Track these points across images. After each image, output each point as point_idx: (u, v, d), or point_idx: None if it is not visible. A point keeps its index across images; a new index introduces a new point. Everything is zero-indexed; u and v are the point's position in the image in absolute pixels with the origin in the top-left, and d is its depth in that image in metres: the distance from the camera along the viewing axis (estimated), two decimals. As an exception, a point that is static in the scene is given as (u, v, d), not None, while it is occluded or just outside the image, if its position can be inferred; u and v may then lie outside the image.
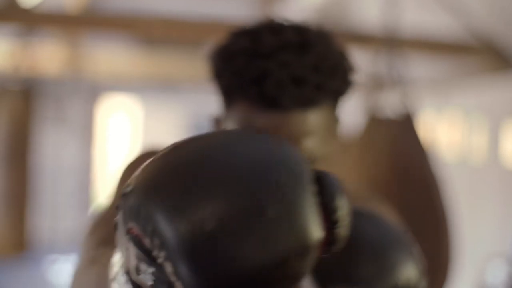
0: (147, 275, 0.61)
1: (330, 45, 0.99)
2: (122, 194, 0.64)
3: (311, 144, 0.96)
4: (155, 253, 0.60)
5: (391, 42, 3.09)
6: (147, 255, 0.61)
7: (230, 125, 0.96)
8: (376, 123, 2.81)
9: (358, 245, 0.84)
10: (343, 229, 0.66)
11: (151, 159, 0.66)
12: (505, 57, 3.90)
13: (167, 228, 0.58)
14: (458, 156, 4.71)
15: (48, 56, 6.85)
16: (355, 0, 5.74)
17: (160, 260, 0.60)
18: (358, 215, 0.84)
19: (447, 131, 4.86)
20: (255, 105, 0.94)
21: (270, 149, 0.63)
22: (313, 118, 0.95)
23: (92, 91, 8.95)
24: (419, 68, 4.84)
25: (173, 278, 0.59)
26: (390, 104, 3.01)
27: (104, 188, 9.62)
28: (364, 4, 5.50)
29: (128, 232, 0.62)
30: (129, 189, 0.63)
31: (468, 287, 4.23)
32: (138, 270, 0.63)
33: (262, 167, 0.61)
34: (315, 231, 0.61)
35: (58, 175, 8.83)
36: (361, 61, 4.07)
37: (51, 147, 8.69)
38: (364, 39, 3.70)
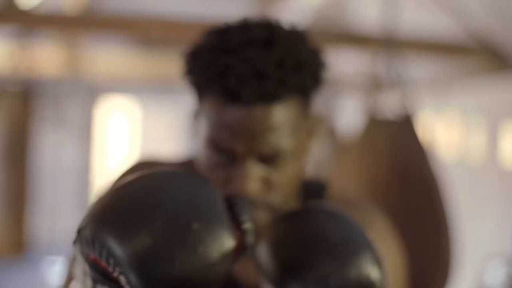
0: None
1: (299, 42, 1.00)
2: (77, 230, 0.79)
3: (275, 139, 0.97)
4: (110, 270, 0.76)
5: (389, 43, 3.09)
6: (103, 275, 0.77)
7: (202, 120, 1.01)
8: (375, 124, 2.81)
9: (315, 242, 0.86)
10: (251, 237, 0.84)
11: (102, 195, 0.81)
12: (504, 57, 3.91)
13: (118, 250, 0.74)
14: (456, 157, 4.71)
15: (46, 57, 6.85)
16: (354, 0, 5.74)
17: (115, 275, 0.75)
18: (320, 214, 0.92)
19: (446, 132, 4.86)
20: (221, 100, 0.98)
21: (192, 186, 0.81)
22: (278, 113, 0.97)
23: (90, 92, 8.94)
24: (417, 68, 4.85)
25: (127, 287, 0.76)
26: (389, 105, 3.01)
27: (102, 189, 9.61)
28: (363, 4, 5.50)
29: (87, 259, 0.78)
30: (83, 224, 0.78)
31: (467, 287, 4.23)
32: None
33: (186, 198, 0.78)
34: (228, 239, 0.79)
35: (57, 176, 8.83)
36: (360, 62, 4.08)
37: (50, 148, 8.68)
38: (363, 40, 3.70)
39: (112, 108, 9.51)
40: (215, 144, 0.99)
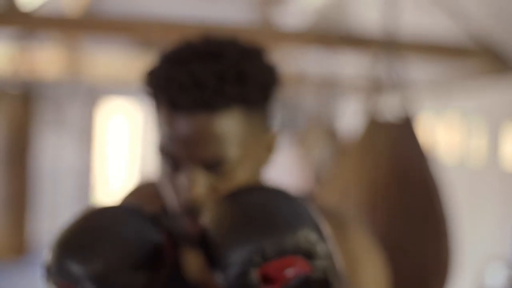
0: None
1: (247, 57, 1.06)
2: (46, 265, 0.98)
3: (217, 147, 1.02)
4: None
5: (390, 45, 3.09)
6: None
7: (159, 128, 1.08)
8: (375, 127, 2.81)
9: (254, 214, 0.93)
10: (179, 241, 1.06)
11: (63, 230, 1.00)
12: (504, 59, 3.91)
13: (79, 270, 0.95)
14: (457, 159, 4.71)
15: (47, 59, 6.86)
16: (354, 3, 5.75)
17: None
18: (261, 190, 0.99)
19: (446, 134, 4.86)
20: (166, 109, 1.04)
21: (127, 219, 1.01)
22: (219, 123, 1.02)
23: (91, 94, 8.95)
24: (418, 71, 4.85)
25: None
26: (389, 107, 3.01)
27: (103, 191, 9.61)
28: (363, 7, 5.51)
29: (59, 286, 0.97)
30: (50, 258, 0.98)
31: (467, 290, 4.23)
32: None
33: (120, 229, 0.99)
34: (156, 258, 1.01)
35: (57, 178, 8.83)
36: (361, 64, 4.08)
37: (50, 150, 8.69)
38: (364, 42, 3.71)
39: (112, 110, 9.51)
40: (163, 151, 1.06)
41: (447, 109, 4.87)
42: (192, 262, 1.14)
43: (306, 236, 0.87)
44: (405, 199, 2.62)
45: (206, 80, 1.00)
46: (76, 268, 0.95)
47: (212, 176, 1.04)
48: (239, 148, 1.04)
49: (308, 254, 0.88)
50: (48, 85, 8.30)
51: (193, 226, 1.05)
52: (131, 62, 7.48)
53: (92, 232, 0.98)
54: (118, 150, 9.66)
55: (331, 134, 5.84)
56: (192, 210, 1.04)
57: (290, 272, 0.86)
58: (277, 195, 0.95)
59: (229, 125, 1.02)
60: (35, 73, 6.79)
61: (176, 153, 1.03)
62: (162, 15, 4.33)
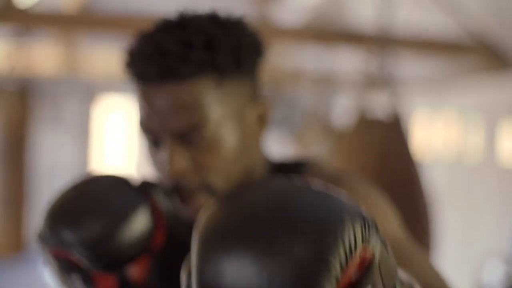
0: (74, 279, 0.98)
1: (217, 23, 1.03)
2: (39, 233, 1.00)
3: (187, 116, 1.00)
4: (69, 255, 0.97)
5: (383, 42, 3.09)
6: (69, 265, 0.97)
7: (138, 105, 1.07)
8: (364, 124, 2.81)
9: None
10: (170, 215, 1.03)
11: (55, 199, 1.01)
12: (501, 56, 3.91)
13: (71, 236, 0.95)
14: (455, 155, 4.72)
15: (44, 56, 6.85)
16: (352, 0, 5.75)
17: (75, 259, 0.96)
18: (272, 183, 0.70)
19: (444, 131, 4.86)
20: (139, 84, 1.04)
21: (118, 188, 1.02)
22: (187, 90, 1.00)
23: (88, 91, 8.94)
24: (415, 67, 4.85)
25: (88, 266, 0.96)
26: (381, 104, 3.01)
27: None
28: (360, 3, 5.50)
29: (53, 255, 0.98)
30: (43, 226, 1.00)
31: (465, 286, 4.23)
32: (66, 280, 0.99)
33: (111, 197, 0.99)
34: (147, 222, 1.00)
35: (55, 175, 8.83)
36: (357, 60, 4.08)
37: (47, 147, 8.68)
38: (360, 38, 3.71)
39: (109, 107, 9.51)
40: (142, 128, 1.05)
41: (445, 105, 4.87)
42: None
43: (353, 223, 0.64)
44: (389, 197, 2.63)
45: (171, 48, 0.98)
46: (68, 235, 0.95)
47: (192, 148, 1.02)
48: (215, 116, 1.01)
49: (364, 240, 0.64)
50: (45, 82, 8.29)
51: (188, 205, 1.04)
52: (128, 59, 7.46)
53: (84, 200, 0.98)
54: (116, 147, 9.65)
55: (328, 130, 5.84)
56: (178, 184, 1.02)
57: (362, 270, 0.66)
58: (292, 187, 0.68)
59: (200, 93, 1.00)
60: (32, 70, 6.78)
61: (153, 127, 1.03)
62: (159, 12, 4.33)
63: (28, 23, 3.86)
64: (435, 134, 4.96)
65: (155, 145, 1.05)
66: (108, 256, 0.96)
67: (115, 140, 9.62)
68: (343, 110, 7.05)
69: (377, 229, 0.67)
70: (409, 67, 4.64)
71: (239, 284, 0.61)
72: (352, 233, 0.64)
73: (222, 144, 1.03)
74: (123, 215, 0.97)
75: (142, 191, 1.03)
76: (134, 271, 0.99)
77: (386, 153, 2.72)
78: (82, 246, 0.95)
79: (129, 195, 1.00)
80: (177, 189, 1.03)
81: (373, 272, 0.66)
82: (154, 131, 1.03)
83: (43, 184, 8.61)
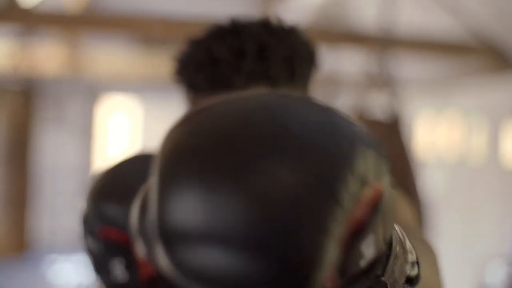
0: (115, 265, 0.88)
1: (270, 32, 0.98)
2: (83, 217, 0.91)
3: None
4: (121, 233, 0.88)
5: (385, 43, 3.09)
6: (116, 247, 0.88)
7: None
8: (363, 124, 2.81)
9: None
10: None
11: (96, 181, 0.94)
12: (505, 57, 3.90)
13: (117, 213, 0.88)
14: (457, 156, 4.71)
15: (47, 56, 6.85)
16: (355, 0, 5.74)
17: (126, 236, 0.87)
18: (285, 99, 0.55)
19: (447, 131, 4.86)
20: (189, 93, 0.99)
21: None
22: None
23: (91, 91, 8.95)
24: (418, 68, 4.85)
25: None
26: (381, 105, 3.01)
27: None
28: (364, 4, 5.50)
29: (98, 235, 0.90)
30: (86, 208, 0.92)
31: (467, 287, 4.23)
32: (105, 268, 0.89)
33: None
34: None
35: (58, 175, 8.83)
36: (361, 60, 4.07)
37: (50, 147, 8.69)
38: (364, 39, 3.71)
39: (113, 107, 9.51)
40: None
41: (448, 106, 4.87)
42: None
43: (366, 151, 0.51)
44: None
45: (223, 57, 0.94)
46: (113, 210, 0.92)
47: None
48: None
49: (375, 175, 0.52)
50: (49, 82, 8.30)
51: None
52: (132, 59, 7.47)
53: (124, 177, 0.94)
54: (119, 147, 9.66)
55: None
56: None
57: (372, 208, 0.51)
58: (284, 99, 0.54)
59: None
60: (36, 70, 6.79)
61: None
62: (162, 12, 4.33)
63: (31, 23, 3.86)
64: (438, 135, 4.96)
65: None
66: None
67: (118, 140, 9.62)
68: (343, 109, 7.04)
69: (388, 166, 0.54)
70: (412, 68, 4.64)
71: (215, 228, 0.47)
72: (364, 163, 0.50)
73: None
74: None
75: None
76: None
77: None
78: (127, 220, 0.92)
79: None
80: None
81: (379, 217, 0.52)
82: None
83: (46, 184, 8.62)
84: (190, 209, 0.48)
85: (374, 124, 2.81)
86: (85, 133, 9.04)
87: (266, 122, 0.49)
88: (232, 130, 0.49)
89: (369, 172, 0.51)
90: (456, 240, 4.56)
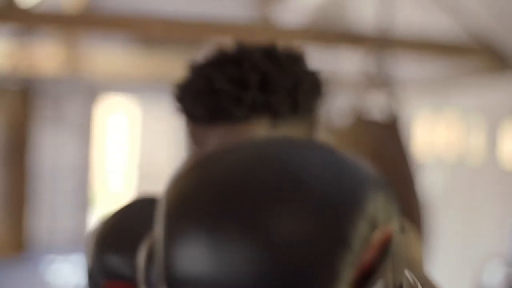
0: None
1: (274, 61, 0.94)
2: (88, 271, 0.94)
3: None
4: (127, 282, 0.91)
5: (385, 43, 3.09)
6: None
7: (187, 144, 0.98)
8: (361, 124, 2.81)
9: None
10: None
11: (97, 231, 0.95)
12: (503, 58, 3.91)
13: (122, 264, 0.92)
14: (456, 157, 4.71)
15: (46, 56, 6.85)
16: (353, 0, 5.74)
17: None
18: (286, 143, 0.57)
19: (445, 132, 4.86)
20: (189, 123, 0.95)
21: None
22: (240, 134, 0.92)
23: (90, 91, 8.95)
24: (417, 68, 4.85)
25: None
26: (379, 105, 3.01)
27: (102, 189, 9.61)
28: (362, 5, 5.50)
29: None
30: (91, 261, 0.94)
31: (466, 287, 4.23)
32: None
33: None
34: None
35: (57, 175, 8.83)
36: (359, 61, 4.06)
37: (49, 147, 8.69)
38: (362, 40, 3.71)
39: (111, 107, 9.51)
40: None
41: (447, 107, 4.87)
42: None
43: (373, 197, 0.52)
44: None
45: (223, 87, 0.90)
46: (117, 263, 0.92)
47: None
48: None
49: (385, 218, 0.53)
50: (47, 82, 8.29)
51: None
52: (130, 59, 7.47)
53: (128, 228, 0.94)
54: (117, 147, 9.66)
55: (326, 129, 5.83)
56: None
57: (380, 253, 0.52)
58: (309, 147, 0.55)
59: (253, 136, 0.92)
60: (34, 69, 6.78)
61: None
62: (161, 12, 4.33)
63: (30, 23, 3.86)
64: (436, 136, 4.96)
65: None
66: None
67: (117, 139, 9.62)
68: (341, 110, 7.05)
69: (398, 208, 0.55)
70: (411, 68, 4.64)
71: (224, 277, 0.48)
72: (373, 206, 0.51)
73: None
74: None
75: None
76: None
77: (381, 153, 2.71)
78: (134, 272, 0.92)
79: None
80: None
81: (388, 260, 0.52)
82: None
83: (45, 184, 8.61)
84: (197, 257, 0.49)
85: (372, 124, 2.81)
86: (84, 133, 9.04)
87: (272, 169, 0.49)
88: (239, 178, 0.49)
89: (379, 215, 0.52)
90: (455, 240, 4.57)
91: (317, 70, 0.99)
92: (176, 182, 0.53)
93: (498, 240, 4.12)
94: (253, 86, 0.91)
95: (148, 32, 4.22)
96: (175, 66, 7.16)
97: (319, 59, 6.24)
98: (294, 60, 0.96)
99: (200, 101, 0.91)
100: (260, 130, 0.93)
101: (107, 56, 7.31)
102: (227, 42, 1.00)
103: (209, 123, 0.92)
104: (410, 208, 2.65)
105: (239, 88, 0.91)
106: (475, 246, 4.39)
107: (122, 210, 0.97)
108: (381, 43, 3.09)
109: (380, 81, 3.01)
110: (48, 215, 8.66)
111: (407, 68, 4.16)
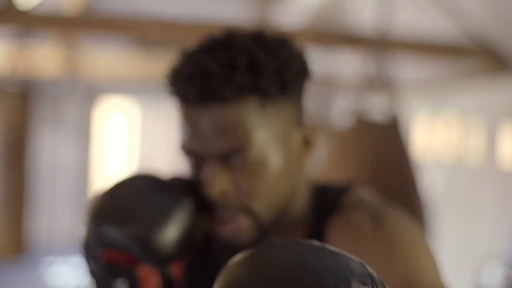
0: (119, 286, 0.97)
1: (262, 45, 1.01)
2: (84, 241, 0.98)
3: (230, 138, 0.99)
4: (124, 258, 0.96)
5: (384, 44, 3.09)
6: (116, 269, 0.96)
7: (180, 126, 1.04)
8: (362, 126, 2.80)
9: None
10: None
11: (95, 204, 1.00)
12: (502, 58, 3.91)
13: (118, 233, 0.97)
14: (455, 158, 4.72)
15: (45, 57, 6.85)
16: (352, 1, 5.75)
17: (125, 256, 0.96)
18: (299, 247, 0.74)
19: (444, 133, 4.86)
20: (182, 105, 1.02)
21: (154, 185, 1.07)
22: (229, 113, 0.98)
23: (89, 92, 8.95)
24: (415, 70, 4.85)
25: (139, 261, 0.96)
26: (379, 107, 3.01)
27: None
28: (361, 6, 5.51)
29: (100, 259, 0.97)
30: (88, 231, 0.98)
31: (465, 289, 4.24)
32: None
33: (150, 194, 1.04)
34: (191, 214, 1.05)
35: (55, 177, 8.83)
36: (357, 62, 4.07)
37: (48, 149, 8.68)
38: (361, 41, 3.71)
39: (110, 108, 9.51)
40: (184, 149, 1.03)
41: (445, 108, 4.87)
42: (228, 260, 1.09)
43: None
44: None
45: (213, 69, 0.97)
46: (119, 232, 0.95)
47: (234, 170, 1.01)
48: (258, 139, 1.00)
49: None
50: (46, 83, 8.29)
51: (225, 227, 1.03)
52: (129, 60, 7.48)
53: (130, 199, 0.99)
54: (116, 148, 9.66)
55: (326, 131, 5.84)
56: (218, 205, 1.02)
57: None
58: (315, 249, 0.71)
59: (243, 115, 0.98)
60: (33, 71, 6.78)
61: (195, 149, 1.01)
62: (160, 13, 4.33)
63: (29, 24, 3.86)
64: (435, 137, 4.97)
65: (197, 166, 1.03)
66: (157, 251, 0.97)
67: (115, 141, 9.62)
68: (341, 112, 7.06)
69: None
70: (410, 69, 4.65)
71: None
72: None
73: (264, 168, 1.01)
74: (165, 212, 0.99)
75: (182, 191, 1.03)
76: (175, 270, 1.00)
77: (382, 156, 2.71)
78: (134, 240, 0.95)
79: (173, 195, 1.02)
80: (217, 210, 1.02)
81: None
82: (197, 153, 1.02)
83: (44, 186, 8.61)
84: None
85: (373, 126, 2.80)
86: (83, 134, 9.04)
87: (287, 273, 0.66)
88: (268, 276, 0.66)
89: None
90: (454, 242, 4.57)
91: (303, 52, 1.06)
92: (227, 270, 0.70)
93: (497, 241, 4.12)
94: (242, 68, 0.97)
95: (147, 33, 4.22)
96: (174, 68, 7.15)
97: (318, 60, 6.24)
98: (281, 43, 1.03)
99: (192, 83, 0.98)
100: (249, 110, 0.99)
101: (106, 57, 7.31)
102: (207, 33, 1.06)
103: (201, 104, 0.98)
104: (413, 210, 2.65)
105: (228, 69, 0.97)
106: (474, 247, 4.40)
107: (119, 184, 1.02)
108: (380, 44, 3.09)
109: (380, 83, 3.00)
110: (47, 217, 8.66)
111: (405, 69, 4.17)
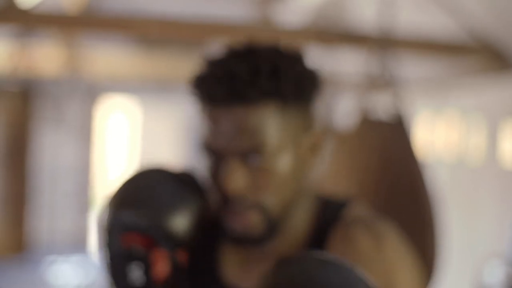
0: (133, 269, 1.08)
1: (283, 56, 1.12)
2: (104, 226, 1.10)
3: (252, 138, 1.08)
4: (142, 240, 1.08)
5: (384, 43, 3.08)
6: (135, 253, 1.08)
7: (203, 125, 1.14)
8: (367, 125, 2.80)
9: None
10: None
11: (115, 193, 1.13)
12: (503, 57, 3.91)
13: (140, 218, 1.10)
14: (456, 157, 4.72)
15: (46, 57, 6.85)
16: (354, 0, 5.75)
17: (147, 240, 1.08)
18: (319, 263, 0.94)
19: (445, 132, 4.86)
20: (207, 105, 1.12)
21: (168, 178, 1.21)
22: (252, 114, 1.08)
23: (90, 92, 8.95)
24: (417, 68, 4.85)
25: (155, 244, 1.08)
26: (383, 105, 3.00)
27: (102, 189, 9.60)
28: (362, 4, 5.50)
29: (121, 243, 1.08)
30: (109, 218, 1.10)
31: (466, 287, 4.23)
32: (123, 273, 1.09)
33: (164, 186, 1.18)
34: (200, 200, 1.19)
35: (57, 176, 8.83)
36: (359, 61, 4.07)
37: (49, 148, 8.69)
38: (362, 39, 3.71)
39: (111, 107, 9.51)
40: (206, 146, 1.12)
41: (446, 106, 4.87)
42: (230, 257, 1.19)
43: None
44: (394, 201, 2.60)
45: (241, 74, 1.07)
46: (135, 217, 1.08)
47: (251, 168, 1.09)
48: (275, 140, 1.09)
49: None
50: (47, 83, 8.30)
51: (237, 220, 1.10)
52: (130, 60, 7.48)
53: (143, 189, 1.12)
54: (117, 148, 9.66)
55: (330, 131, 5.84)
56: (233, 200, 1.09)
57: None
58: (328, 266, 0.93)
59: (264, 117, 1.08)
60: (34, 70, 6.79)
61: (217, 147, 1.10)
62: (160, 13, 4.33)
63: (30, 23, 3.86)
64: (436, 135, 4.96)
65: (216, 163, 1.12)
66: (172, 234, 1.09)
67: (116, 140, 9.62)
68: (345, 111, 7.05)
69: None
70: (411, 68, 4.64)
71: None
72: None
73: (277, 167, 1.10)
74: (177, 202, 1.12)
75: (193, 183, 1.16)
76: (181, 256, 1.11)
77: (389, 154, 2.70)
78: (153, 223, 1.07)
79: (185, 186, 1.15)
80: (231, 203, 1.10)
81: None
82: (218, 150, 1.10)
83: (45, 185, 8.61)
84: None
85: (379, 125, 2.79)
86: (84, 133, 9.04)
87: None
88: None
89: None
90: (455, 240, 4.57)
91: (316, 67, 1.17)
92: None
93: (498, 240, 4.12)
94: (265, 74, 1.08)
95: (148, 32, 4.22)
96: (175, 67, 7.16)
97: (320, 59, 6.24)
98: (299, 56, 1.14)
99: (220, 85, 1.08)
100: (269, 112, 1.09)
101: (107, 56, 7.32)
102: (230, 42, 1.19)
103: (226, 105, 1.08)
104: (421, 207, 2.64)
105: (253, 74, 1.07)
106: (475, 245, 4.40)
107: (136, 176, 1.16)
108: (381, 43, 3.08)
109: (383, 81, 3.00)
110: (48, 216, 8.66)
111: (406, 68, 4.16)
